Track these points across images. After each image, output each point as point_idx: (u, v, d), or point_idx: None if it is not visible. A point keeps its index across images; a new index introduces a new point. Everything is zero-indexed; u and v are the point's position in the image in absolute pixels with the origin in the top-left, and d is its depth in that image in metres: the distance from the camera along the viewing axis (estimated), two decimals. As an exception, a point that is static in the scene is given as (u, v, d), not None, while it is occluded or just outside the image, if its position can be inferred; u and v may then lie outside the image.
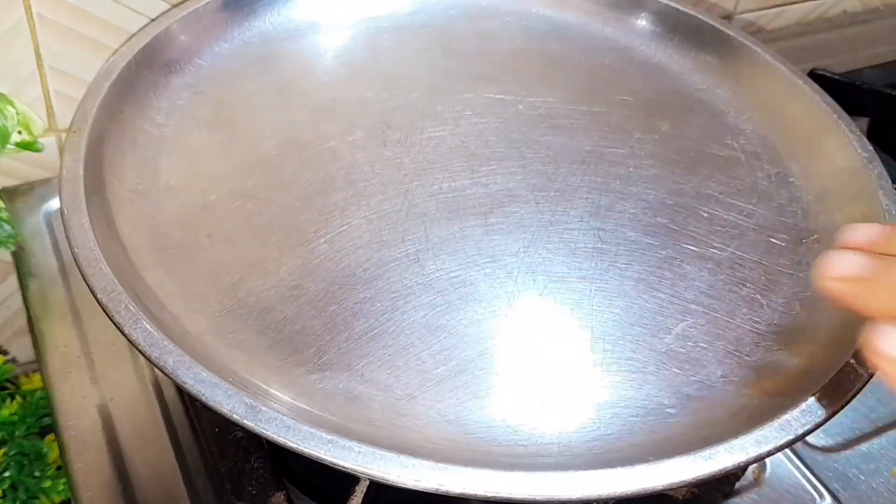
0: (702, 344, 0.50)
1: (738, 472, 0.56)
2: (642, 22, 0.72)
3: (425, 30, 0.70)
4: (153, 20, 0.60)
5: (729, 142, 0.63)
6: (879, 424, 0.62)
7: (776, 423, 0.42)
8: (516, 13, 0.73)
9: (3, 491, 0.70)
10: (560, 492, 0.39)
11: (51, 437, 0.74)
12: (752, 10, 0.99)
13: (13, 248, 0.66)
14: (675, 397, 0.47)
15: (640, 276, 0.53)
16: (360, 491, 0.50)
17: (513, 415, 0.46)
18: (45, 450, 0.73)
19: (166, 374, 0.41)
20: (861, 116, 0.84)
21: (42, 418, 0.74)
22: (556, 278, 0.52)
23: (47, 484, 0.71)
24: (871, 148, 0.59)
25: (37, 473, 0.72)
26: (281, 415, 0.40)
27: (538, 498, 0.39)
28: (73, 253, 0.46)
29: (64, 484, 0.71)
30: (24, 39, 0.65)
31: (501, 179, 0.58)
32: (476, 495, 0.38)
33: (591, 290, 0.52)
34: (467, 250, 0.53)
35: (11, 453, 0.72)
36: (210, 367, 0.41)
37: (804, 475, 0.59)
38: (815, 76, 0.87)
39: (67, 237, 0.47)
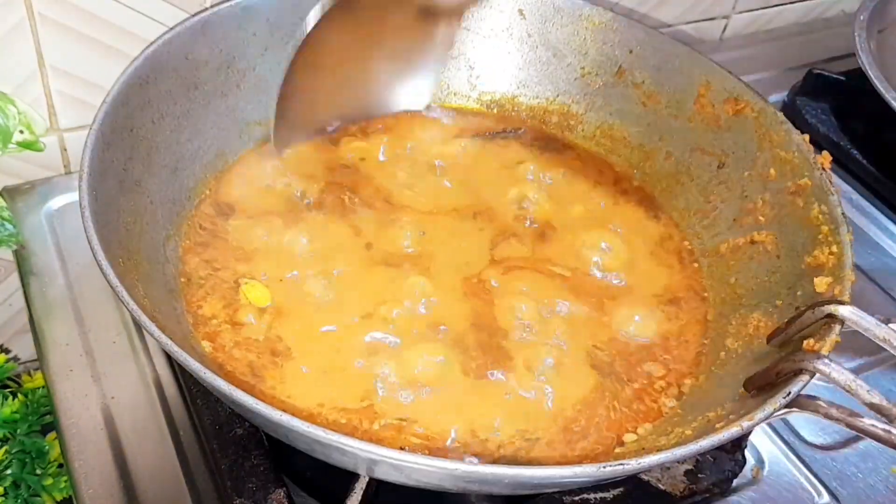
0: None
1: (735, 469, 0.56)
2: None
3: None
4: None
5: None
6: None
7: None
8: None
9: (5, 488, 0.71)
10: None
11: (52, 435, 0.74)
12: (751, 10, 0.99)
13: (14, 246, 0.66)
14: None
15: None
16: (360, 488, 0.50)
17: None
18: (46, 448, 0.73)
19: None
20: (859, 117, 0.85)
21: (44, 416, 0.75)
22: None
23: (49, 482, 0.72)
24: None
25: (38, 471, 0.72)
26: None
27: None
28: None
29: (65, 482, 0.72)
30: (25, 39, 0.65)
31: None
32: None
33: None
34: None
35: (13, 451, 0.72)
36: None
37: (802, 473, 0.59)
38: (815, 76, 0.87)
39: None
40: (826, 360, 0.43)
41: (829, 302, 0.47)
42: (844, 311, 0.46)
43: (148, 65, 0.59)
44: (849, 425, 0.42)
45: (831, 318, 0.46)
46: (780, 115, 0.62)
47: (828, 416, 0.43)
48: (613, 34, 0.71)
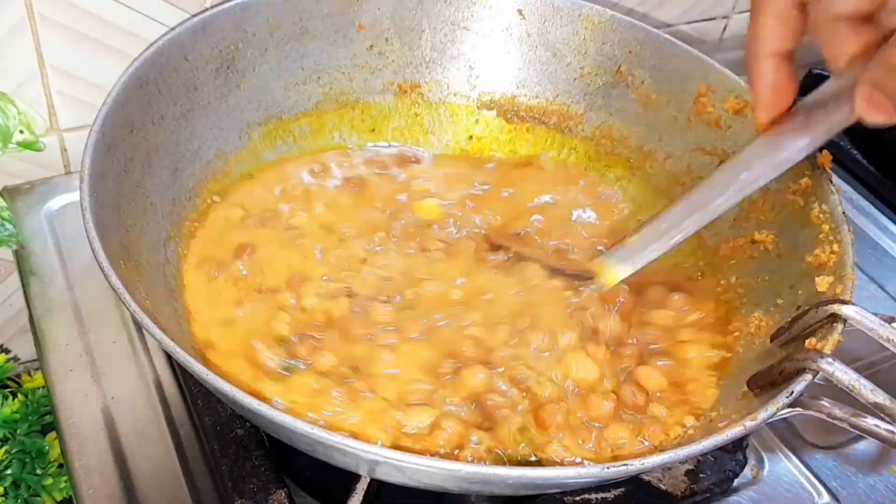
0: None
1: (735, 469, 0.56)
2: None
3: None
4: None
5: None
6: (878, 422, 0.63)
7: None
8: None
9: (5, 488, 0.71)
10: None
11: (52, 435, 0.74)
12: (751, 10, 0.99)
13: (14, 246, 0.66)
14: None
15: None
16: (361, 489, 0.50)
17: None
18: (46, 448, 0.73)
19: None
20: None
21: (44, 416, 0.75)
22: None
23: (49, 482, 0.71)
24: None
25: (38, 471, 0.72)
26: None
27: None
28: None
29: (65, 482, 0.72)
30: (25, 39, 0.65)
31: None
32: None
33: None
34: None
35: (13, 451, 0.72)
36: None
37: (802, 473, 0.59)
38: (815, 76, 0.87)
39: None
40: (829, 359, 0.43)
41: (833, 301, 0.47)
42: (848, 310, 0.46)
43: (148, 65, 0.58)
44: (852, 425, 0.42)
45: (834, 317, 0.46)
46: (781, 114, 0.62)
47: (831, 416, 0.43)
48: (613, 34, 0.71)
